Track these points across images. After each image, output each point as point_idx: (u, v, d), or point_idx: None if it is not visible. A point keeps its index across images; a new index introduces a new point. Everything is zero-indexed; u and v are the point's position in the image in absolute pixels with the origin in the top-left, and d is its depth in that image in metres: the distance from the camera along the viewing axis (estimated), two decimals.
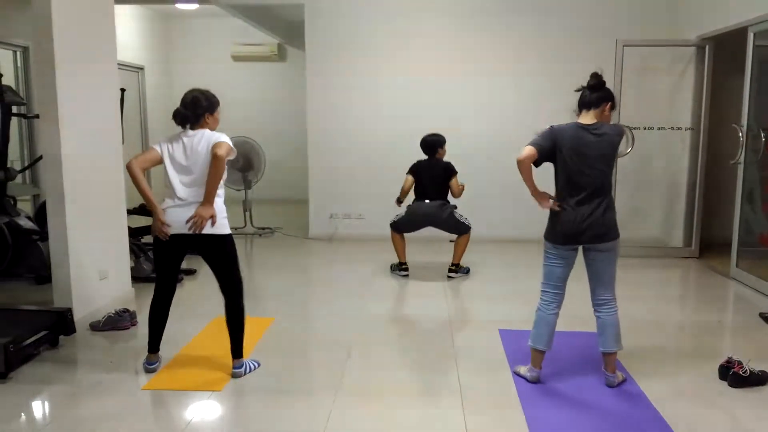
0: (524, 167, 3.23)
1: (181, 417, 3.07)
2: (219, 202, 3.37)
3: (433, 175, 5.51)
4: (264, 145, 7.74)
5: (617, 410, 3.12)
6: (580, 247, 3.32)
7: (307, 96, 7.33)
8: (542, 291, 3.41)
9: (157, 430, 3.00)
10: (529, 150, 3.21)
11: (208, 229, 3.33)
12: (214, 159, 3.25)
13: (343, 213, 7.42)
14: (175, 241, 3.37)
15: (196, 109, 3.42)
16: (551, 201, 3.33)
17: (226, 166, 3.32)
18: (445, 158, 5.58)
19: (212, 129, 3.45)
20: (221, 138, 3.36)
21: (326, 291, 5.47)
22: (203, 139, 3.37)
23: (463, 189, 5.50)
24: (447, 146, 5.60)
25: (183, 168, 3.36)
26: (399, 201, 5.64)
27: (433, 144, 5.56)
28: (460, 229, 5.53)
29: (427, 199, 5.49)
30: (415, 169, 5.58)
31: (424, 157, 5.60)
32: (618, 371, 3.42)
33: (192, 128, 3.42)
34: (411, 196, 5.64)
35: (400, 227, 5.62)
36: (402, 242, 5.67)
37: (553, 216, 3.32)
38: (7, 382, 3.40)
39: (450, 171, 5.50)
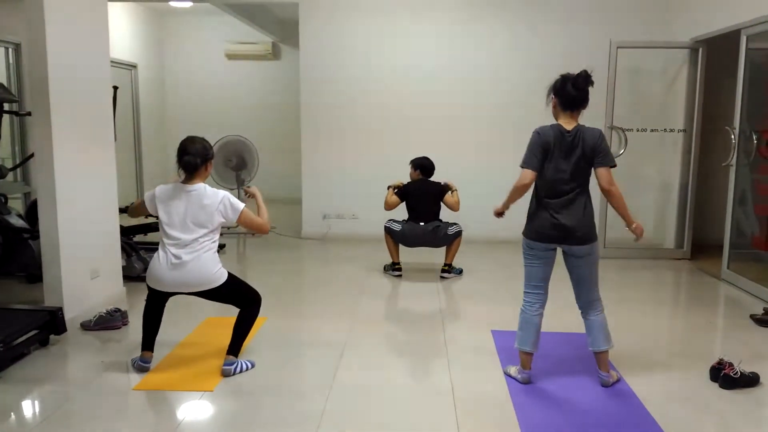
0: (522, 192, 3.27)
1: (173, 417, 3.06)
2: (210, 255, 3.38)
3: (428, 199, 5.56)
4: (257, 143, 7.72)
5: (608, 411, 3.13)
6: (560, 250, 3.33)
7: (301, 95, 7.32)
8: (525, 292, 3.42)
9: (148, 430, 2.98)
10: (530, 175, 3.21)
11: (206, 286, 3.37)
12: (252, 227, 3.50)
13: (336, 213, 7.41)
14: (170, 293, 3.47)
15: (205, 157, 3.42)
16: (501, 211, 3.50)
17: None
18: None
19: (205, 177, 3.47)
20: (235, 206, 3.38)
21: (319, 291, 5.46)
22: (207, 199, 3.35)
23: (458, 200, 5.55)
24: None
25: (181, 227, 3.34)
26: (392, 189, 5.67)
27: (432, 167, 5.65)
28: (453, 239, 5.56)
29: (422, 221, 5.51)
30: (403, 193, 5.61)
31: (408, 179, 5.69)
32: (612, 371, 3.44)
33: (189, 179, 3.40)
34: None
35: (393, 237, 5.63)
36: (395, 243, 5.67)
37: (532, 214, 3.33)
38: None
39: (444, 189, 5.57)
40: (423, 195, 5.57)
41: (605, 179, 3.21)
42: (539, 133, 3.22)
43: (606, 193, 3.23)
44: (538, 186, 3.28)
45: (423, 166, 5.65)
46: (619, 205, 3.25)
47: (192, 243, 3.33)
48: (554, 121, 3.28)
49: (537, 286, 3.37)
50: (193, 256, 3.32)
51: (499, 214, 3.52)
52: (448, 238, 5.53)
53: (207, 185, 3.43)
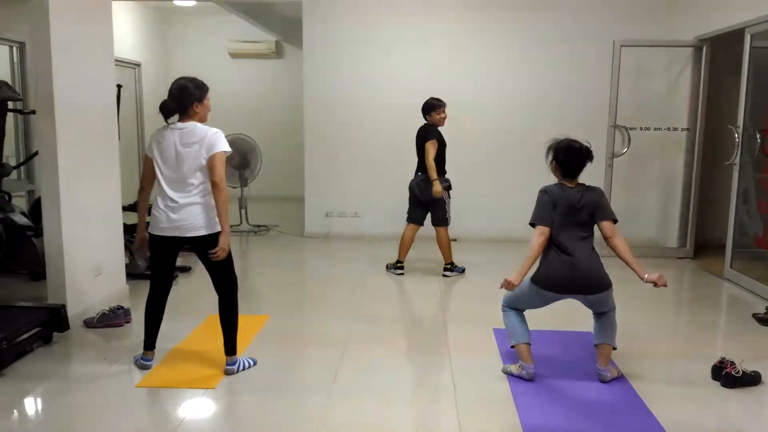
0: (541, 248, 3.28)
1: (175, 414, 3.07)
2: (207, 201, 3.33)
3: (417, 144, 5.47)
4: (260, 142, 7.73)
5: (610, 408, 3.12)
6: None
7: (304, 94, 7.32)
8: (506, 306, 3.53)
9: (150, 427, 2.99)
10: (546, 230, 3.27)
11: (201, 231, 3.33)
12: (215, 188, 3.28)
13: (339, 211, 7.42)
14: (169, 240, 3.38)
15: (182, 100, 3.32)
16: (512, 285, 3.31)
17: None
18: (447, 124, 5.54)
19: (203, 118, 3.40)
20: (216, 144, 3.28)
21: (321, 289, 5.46)
22: (196, 137, 3.28)
23: (433, 166, 5.26)
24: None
25: (173, 166, 3.30)
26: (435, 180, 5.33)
27: (423, 108, 5.49)
28: (438, 215, 5.46)
29: (419, 171, 5.46)
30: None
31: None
32: (613, 367, 3.44)
33: (181, 119, 3.35)
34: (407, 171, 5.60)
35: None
36: (410, 242, 5.62)
37: (546, 263, 3.33)
38: (0, 379, 3.39)
39: (425, 137, 5.37)
40: (416, 140, 5.46)
41: (609, 230, 3.31)
42: (546, 191, 3.35)
43: (611, 243, 3.30)
44: (551, 239, 3.30)
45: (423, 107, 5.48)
46: (625, 256, 3.26)
47: (186, 185, 3.30)
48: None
49: (523, 309, 3.49)
50: (188, 200, 3.30)
51: (512, 285, 3.29)
52: (435, 202, 5.35)
53: (200, 124, 3.35)
